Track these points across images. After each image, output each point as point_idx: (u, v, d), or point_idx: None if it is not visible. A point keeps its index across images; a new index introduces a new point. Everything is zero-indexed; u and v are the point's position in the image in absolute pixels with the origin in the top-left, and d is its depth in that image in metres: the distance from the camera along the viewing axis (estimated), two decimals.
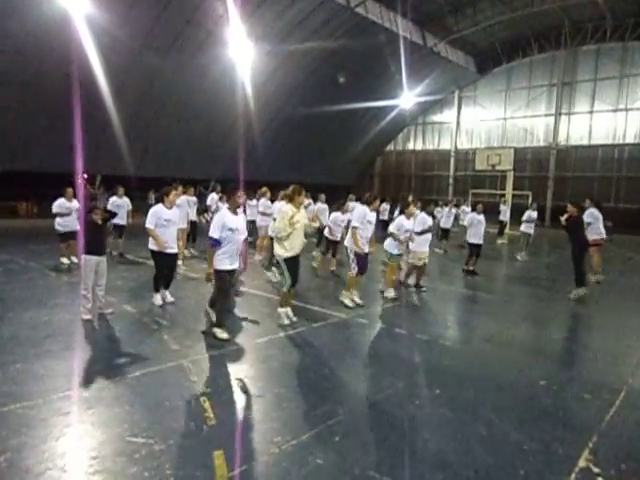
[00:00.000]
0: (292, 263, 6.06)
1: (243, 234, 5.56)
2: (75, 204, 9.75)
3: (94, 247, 6.09)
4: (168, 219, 6.55)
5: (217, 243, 5.27)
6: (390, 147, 33.12)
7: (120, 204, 10.45)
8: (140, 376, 4.34)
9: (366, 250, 7.20)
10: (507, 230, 19.60)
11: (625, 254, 15.41)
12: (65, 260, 9.88)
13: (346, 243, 7.39)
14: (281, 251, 6.02)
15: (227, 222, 5.32)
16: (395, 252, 7.88)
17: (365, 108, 25.50)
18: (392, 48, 20.70)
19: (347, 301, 7.23)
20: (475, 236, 10.41)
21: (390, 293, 7.85)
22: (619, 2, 21.23)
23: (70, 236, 9.87)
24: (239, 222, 5.45)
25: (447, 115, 30.03)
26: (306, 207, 15.82)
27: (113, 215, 6.56)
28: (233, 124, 19.64)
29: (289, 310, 6.31)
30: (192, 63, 17.13)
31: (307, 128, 24.49)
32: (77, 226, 9.93)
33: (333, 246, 9.93)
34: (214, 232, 5.29)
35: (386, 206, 15.72)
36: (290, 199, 6.04)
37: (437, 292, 8.70)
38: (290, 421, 3.70)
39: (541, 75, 25.49)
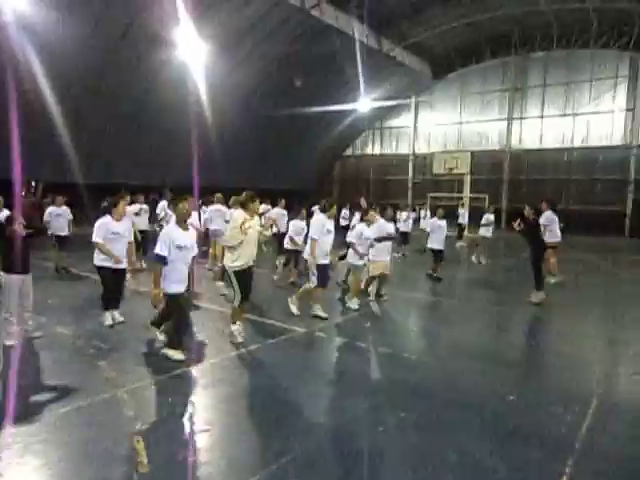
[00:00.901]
0: (243, 275, 5.57)
1: (193, 251, 5.00)
2: (4, 214, 8.92)
3: (16, 264, 5.38)
4: (117, 232, 5.92)
5: (163, 261, 4.71)
6: (349, 152, 33.07)
7: (59, 213, 9.64)
8: (63, 414, 3.74)
9: (327, 261, 6.81)
10: (466, 233, 19.83)
11: (577, 255, 15.80)
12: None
13: (305, 255, 6.99)
14: (230, 261, 5.53)
15: (175, 238, 4.74)
16: (358, 263, 7.52)
17: (323, 112, 25.21)
18: (348, 52, 20.53)
19: (294, 308, 6.85)
20: (436, 242, 10.25)
21: (354, 304, 7.47)
22: (564, 11, 22.02)
23: (62, 240, 9.45)
24: (188, 238, 4.88)
25: (405, 119, 30.27)
26: (262, 214, 15.24)
27: (40, 230, 5.85)
28: (188, 128, 18.86)
29: (240, 326, 5.82)
30: (142, 64, 16.31)
31: (265, 133, 23.97)
32: (67, 231, 9.53)
33: (294, 256, 9.46)
34: (161, 249, 4.69)
35: (347, 211, 15.47)
36: (243, 206, 5.58)
37: (399, 300, 8.43)
38: (238, 460, 3.24)
39: (494, 80, 26.11)
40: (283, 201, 11.44)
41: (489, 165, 26.66)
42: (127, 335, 5.86)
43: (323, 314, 6.80)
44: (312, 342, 5.89)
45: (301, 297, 6.89)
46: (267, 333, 6.13)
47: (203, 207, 11.61)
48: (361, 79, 22.82)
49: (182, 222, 4.87)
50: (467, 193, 25.35)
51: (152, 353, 5.12)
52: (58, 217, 9.38)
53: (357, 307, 7.43)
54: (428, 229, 10.54)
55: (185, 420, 3.76)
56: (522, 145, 25.89)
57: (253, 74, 20.47)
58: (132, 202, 10.01)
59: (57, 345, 5.38)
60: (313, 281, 6.75)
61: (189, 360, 4.91)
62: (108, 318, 6.05)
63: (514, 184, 26.15)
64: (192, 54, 16.54)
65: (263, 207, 15.21)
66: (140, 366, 4.83)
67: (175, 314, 4.88)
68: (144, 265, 10.24)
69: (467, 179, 24.99)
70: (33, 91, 13.29)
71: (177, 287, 4.79)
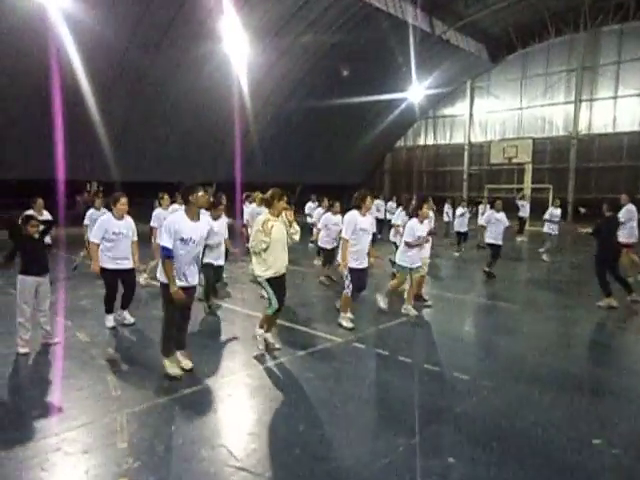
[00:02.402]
0: (277, 283, 4.93)
1: (201, 246, 4.41)
2: (46, 217, 8.82)
3: (31, 266, 5.05)
4: (118, 232, 5.50)
5: (168, 254, 4.14)
6: (400, 143, 31.81)
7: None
8: (55, 444, 3.24)
9: (363, 265, 5.99)
10: (527, 227, 18.27)
11: None
12: None
13: (338, 258, 6.24)
14: (261, 270, 4.89)
15: (179, 229, 4.14)
16: (406, 265, 6.55)
17: (372, 103, 24.26)
18: (398, 37, 19.45)
19: (344, 322, 6.05)
20: (494, 236, 9.24)
21: (381, 303, 6.67)
22: None
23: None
24: (196, 231, 4.26)
25: (459, 107, 28.62)
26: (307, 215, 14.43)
27: (51, 224, 5.51)
28: (231, 124, 18.62)
29: (269, 336, 5.20)
30: (184, 60, 16.15)
31: (311, 126, 23.37)
32: (49, 240, 9.08)
33: (329, 254, 8.73)
34: (165, 241, 4.13)
35: (393, 204, 14.50)
36: (268, 204, 4.92)
37: (449, 303, 7.50)
38: None
39: (559, 60, 23.92)
40: (313, 196, 10.44)
41: (553, 153, 24.57)
42: (142, 342, 5.42)
43: (348, 324, 5.99)
44: (348, 355, 5.15)
45: (345, 306, 6.10)
46: (298, 343, 5.47)
47: (246, 202, 11.18)
48: (412, 66, 21.66)
49: (193, 212, 4.27)
50: (528, 184, 23.51)
51: (157, 367, 4.60)
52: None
53: (385, 306, 6.63)
54: (484, 222, 9.52)
55: (181, 459, 3.17)
56: (591, 130, 23.60)
57: (298, 65, 19.89)
58: (172, 202, 9.70)
59: (71, 353, 4.99)
60: (347, 285, 5.99)
61: (199, 373, 4.35)
62: (110, 320, 5.74)
63: (582, 173, 23.94)
64: (235, 47, 16.22)
65: (309, 206, 14.58)
66: (150, 381, 4.32)
67: (167, 311, 4.32)
68: None
69: (528, 168, 23.15)
70: (75, 91, 13.37)
71: (179, 283, 4.22)
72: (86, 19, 12.64)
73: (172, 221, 4.19)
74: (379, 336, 5.86)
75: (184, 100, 17.28)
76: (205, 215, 4.61)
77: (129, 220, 5.75)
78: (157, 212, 8.35)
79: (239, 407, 3.92)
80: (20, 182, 13.82)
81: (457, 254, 12.79)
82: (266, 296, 7.42)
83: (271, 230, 4.73)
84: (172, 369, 4.34)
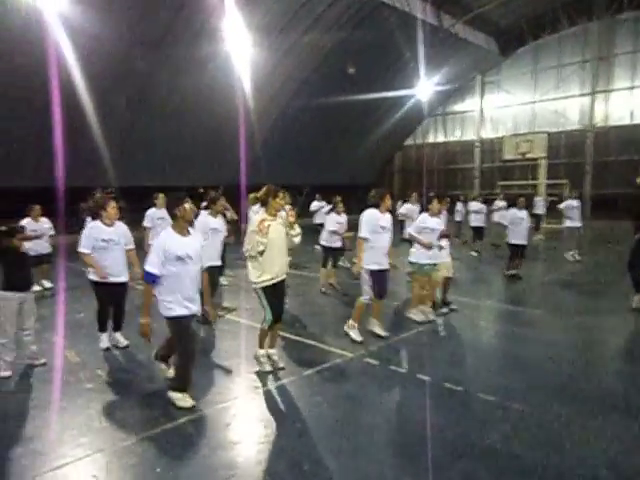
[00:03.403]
0: (273, 291, 4.46)
1: (198, 262, 3.87)
2: (43, 224, 8.45)
3: (15, 281, 4.65)
4: (108, 239, 4.99)
5: (153, 280, 3.66)
6: (409, 141, 31.19)
7: (162, 216, 7.98)
8: None
9: (383, 266, 5.50)
10: (544, 224, 17.63)
11: None
12: (36, 287, 8.60)
13: (355, 259, 5.76)
14: (255, 276, 4.43)
15: (171, 247, 3.64)
16: (423, 261, 6.16)
17: (379, 100, 23.70)
18: (405, 32, 18.90)
19: (352, 333, 5.58)
20: (518, 235, 8.76)
21: (417, 315, 6.16)
22: None
23: (40, 260, 8.61)
24: (191, 246, 3.76)
25: (469, 103, 27.94)
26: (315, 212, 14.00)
27: (36, 237, 5.09)
28: (236, 125, 18.21)
29: (273, 352, 4.74)
30: (186, 62, 15.78)
31: (317, 125, 22.88)
32: (48, 249, 8.72)
33: (332, 254, 8.26)
34: (151, 264, 3.62)
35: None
36: (263, 203, 4.47)
37: (469, 310, 6.96)
38: None
39: (572, 51, 23.15)
40: (318, 195, 9.89)
41: (569, 147, 23.81)
42: (135, 364, 4.98)
43: (357, 337, 5.51)
44: (359, 373, 4.66)
45: (358, 316, 5.62)
46: (304, 359, 5.00)
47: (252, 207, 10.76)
48: (420, 61, 21.09)
49: (182, 226, 3.78)
50: (543, 179, 22.77)
51: (158, 392, 4.15)
52: (163, 221, 7.93)
53: (421, 319, 6.11)
54: (506, 222, 9.05)
55: None
56: (609, 122, 22.80)
57: (303, 63, 19.44)
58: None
59: (56, 377, 4.57)
60: (366, 291, 5.51)
61: (199, 403, 3.90)
62: (104, 341, 5.23)
63: (599, 167, 23.14)
64: (238, 46, 15.83)
65: (315, 205, 14.16)
66: (139, 410, 3.88)
67: (181, 345, 3.85)
68: None
69: (543, 164, 22.40)
70: (75, 96, 13.06)
71: (179, 309, 3.73)
72: (83, 23, 12.32)
73: (160, 241, 3.66)
74: (394, 350, 5.36)
75: (187, 102, 16.92)
76: (196, 232, 4.09)
77: (121, 226, 5.24)
78: (150, 212, 7.92)
79: (237, 440, 3.45)
80: (19, 190, 13.58)
81: (475, 254, 12.21)
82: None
83: (268, 230, 4.28)
84: (184, 402, 3.81)
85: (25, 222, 8.20)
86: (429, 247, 5.96)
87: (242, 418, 3.78)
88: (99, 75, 13.54)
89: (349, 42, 18.96)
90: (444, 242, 6.56)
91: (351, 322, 5.63)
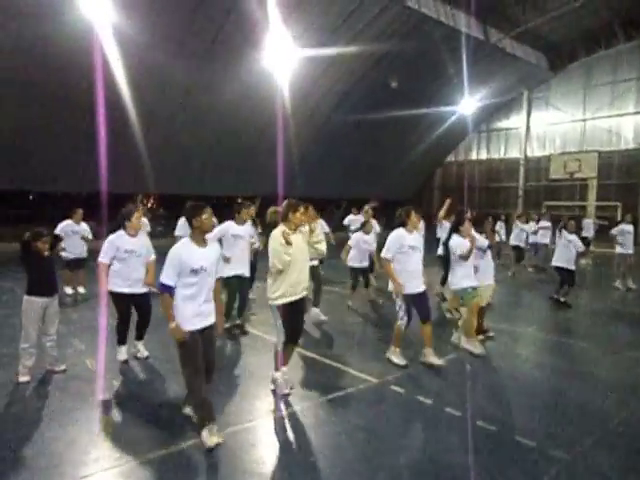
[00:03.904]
0: (290, 311, 4.24)
1: (213, 275, 3.61)
2: (84, 227, 8.63)
3: (39, 286, 4.65)
4: (131, 250, 4.93)
5: (170, 292, 3.48)
6: (451, 157, 30.51)
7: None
8: None
9: (419, 289, 5.15)
10: (592, 248, 16.61)
11: None
12: (69, 290, 8.76)
13: (390, 287, 5.44)
14: (272, 291, 4.22)
15: (187, 259, 3.45)
16: (467, 285, 5.72)
17: (421, 116, 23.33)
18: (450, 46, 18.53)
19: (394, 358, 5.27)
20: (565, 259, 8.23)
21: (477, 348, 5.70)
22: None
23: (77, 264, 8.78)
24: (207, 258, 3.53)
25: (515, 120, 27.04)
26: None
27: (58, 240, 5.08)
28: (275, 136, 18.32)
29: (284, 369, 4.48)
30: (230, 73, 16.03)
31: (356, 139, 22.73)
32: (85, 253, 8.87)
33: (362, 275, 8.08)
34: (169, 275, 3.43)
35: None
36: (283, 218, 4.27)
37: (508, 337, 6.48)
38: None
39: (629, 67, 21.98)
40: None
41: (622, 167, 22.52)
42: (153, 377, 4.85)
43: (400, 361, 5.22)
44: (383, 402, 4.34)
45: (398, 340, 5.28)
46: (326, 382, 4.72)
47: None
48: (465, 76, 20.59)
49: (199, 237, 3.58)
50: (592, 201, 21.70)
51: (172, 408, 3.99)
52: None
53: (480, 352, 5.65)
54: (547, 242, 8.55)
55: None
56: None
57: (345, 77, 19.39)
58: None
59: (74, 385, 4.50)
60: (402, 317, 5.19)
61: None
62: (122, 353, 5.13)
63: None
64: (281, 58, 15.93)
65: (350, 218, 13.93)
66: (150, 428, 3.71)
67: (185, 364, 3.52)
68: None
69: (593, 184, 21.37)
70: (120, 105, 13.47)
71: (191, 322, 3.50)
72: (131, 34, 12.72)
73: (176, 252, 3.47)
74: (422, 377, 4.99)
75: (229, 114, 17.16)
76: (214, 242, 3.92)
77: (143, 237, 5.20)
78: (183, 220, 7.92)
79: (241, 472, 3.20)
80: (64, 195, 14.17)
81: (510, 274, 11.62)
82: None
83: (290, 240, 4.09)
84: (212, 439, 3.39)
85: (65, 223, 8.46)
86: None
87: (248, 450, 3.51)
88: (143, 85, 13.92)
89: (392, 56, 18.78)
90: (491, 263, 6.18)
91: (392, 348, 5.33)
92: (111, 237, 4.96)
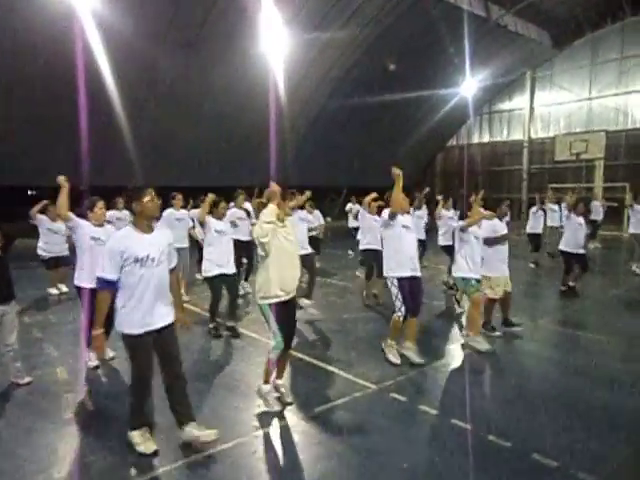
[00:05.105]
0: (282, 310, 3.76)
1: (162, 263, 3.12)
2: (61, 225, 8.13)
3: None
4: (97, 237, 4.57)
5: (111, 286, 3.02)
6: (452, 141, 29.77)
7: (241, 216, 7.54)
8: None
9: (414, 273, 4.74)
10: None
11: None
12: (54, 290, 8.30)
13: (384, 272, 4.97)
14: (261, 289, 3.74)
15: (129, 247, 2.98)
16: (471, 275, 5.28)
17: (421, 99, 22.62)
18: (450, 25, 17.75)
19: (391, 356, 4.85)
20: (574, 243, 7.71)
21: (481, 344, 5.21)
22: None
23: (58, 262, 8.33)
24: (153, 245, 3.08)
25: (517, 101, 26.25)
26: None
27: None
28: (270, 124, 17.71)
29: (280, 382, 4.01)
30: (219, 60, 15.38)
31: (355, 125, 22.06)
32: (65, 251, 8.42)
33: (375, 259, 6.90)
34: (108, 268, 2.97)
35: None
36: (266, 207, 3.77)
37: (522, 331, 5.97)
38: None
39: (637, 42, 21.12)
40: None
41: (630, 147, 21.77)
42: (121, 389, 4.35)
43: (395, 359, 4.80)
44: (382, 413, 3.85)
45: (395, 334, 4.89)
46: (319, 390, 4.25)
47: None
48: (466, 56, 19.81)
49: (142, 223, 3.12)
50: (599, 182, 21.05)
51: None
52: (180, 222, 7.56)
53: (486, 349, 5.17)
54: (555, 224, 8.07)
55: None
56: None
57: (341, 60, 18.68)
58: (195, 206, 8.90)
59: (40, 401, 4.03)
60: (399, 308, 4.73)
61: (180, 447, 3.21)
62: (92, 358, 4.69)
63: None
64: (273, 43, 15.28)
65: (349, 207, 13.38)
66: (114, 453, 3.24)
67: (134, 368, 3.14)
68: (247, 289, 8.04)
69: (600, 165, 20.70)
70: (104, 95, 12.89)
71: (139, 324, 3.03)
72: (114, 19, 12.09)
73: (115, 240, 3.03)
74: (426, 382, 4.52)
75: (219, 102, 16.51)
76: (162, 228, 3.42)
77: (110, 229, 4.78)
78: (167, 212, 7.40)
79: None
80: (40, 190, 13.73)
81: (533, 265, 10.95)
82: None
83: (282, 223, 3.72)
84: (144, 445, 3.14)
85: (40, 219, 8.00)
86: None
87: (230, 475, 3.06)
88: (128, 73, 13.31)
89: (389, 37, 18.03)
90: (503, 252, 5.68)
91: (389, 341, 4.91)
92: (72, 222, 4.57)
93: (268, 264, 3.68)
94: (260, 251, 3.69)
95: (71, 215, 4.56)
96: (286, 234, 3.75)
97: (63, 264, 8.31)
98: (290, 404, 3.89)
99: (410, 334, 4.86)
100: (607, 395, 4.21)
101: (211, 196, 5.71)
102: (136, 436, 3.16)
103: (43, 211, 8.10)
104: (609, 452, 3.27)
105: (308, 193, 6.29)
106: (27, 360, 4.70)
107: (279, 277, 3.69)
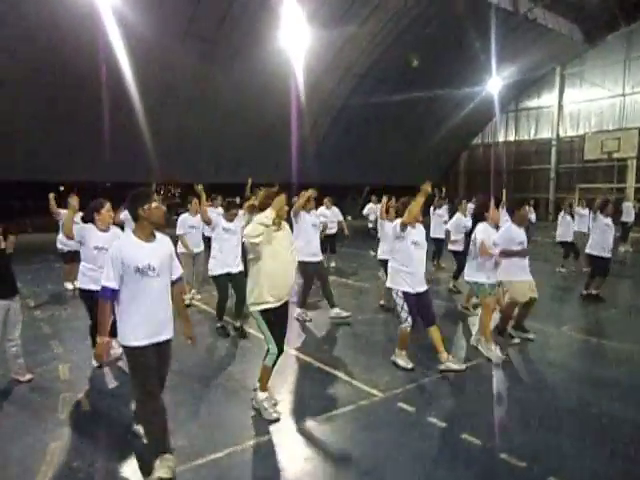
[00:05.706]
0: (274, 317, 3.61)
1: (163, 273, 2.94)
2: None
3: None
4: (101, 247, 4.41)
5: (113, 295, 2.86)
6: (477, 140, 29.11)
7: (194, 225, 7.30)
8: None
9: (420, 288, 4.54)
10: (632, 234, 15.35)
11: None
12: (69, 285, 8.34)
13: (388, 282, 4.75)
14: (253, 295, 3.57)
15: (129, 256, 2.82)
16: (485, 280, 5.03)
17: (445, 96, 22.15)
18: (476, 19, 17.26)
19: (400, 360, 4.67)
20: (600, 246, 7.28)
21: (492, 354, 4.93)
22: None
23: (75, 256, 8.35)
24: (154, 254, 2.90)
25: (546, 98, 25.46)
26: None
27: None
28: (292, 121, 17.59)
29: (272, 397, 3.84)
30: (240, 56, 15.32)
31: (377, 123, 21.72)
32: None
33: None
34: (109, 276, 2.81)
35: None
36: (261, 209, 3.57)
37: (541, 339, 5.64)
38: None
39: None
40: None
41: None
42: (123, 390, 4.24)
43: (407, 364, 4.62)
44: (388, 425, 3.63)
45: (403, 344, 4.67)
46: (320, 397, 4.06)
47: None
48: (492, 52, 19.30)
49: (145, 230, 2.93)
50: (632, 182, 20.21)
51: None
52: (193, 228, 7.32)
53: (501, 355, 4.91)
54: (583, 228, 7.65)
55: None
56: None
57: (363, 56, 18.40)
58: (211, 204, 8.93)
59: (34, 399, 3.98)
60: (405, 319, 4.52)
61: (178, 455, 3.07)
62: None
63: None
64: (294, 38, 15.11)
65: (369, 207, 13.09)
66: (110, 460, 3.13)
67: (136, 385, 2.91)
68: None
69: (632, 164, 19.86)
70: (126, 92, 12.97)
71: (142, 336, 2.86)
72: (134, 15, 12.16)
73: (116, 249, 2.86)
74: (435, 390, 4.27)
75: (241, 98, 16.48)
76: (164, 236, 3.20)
77: (117, 232, 4.67)
78: (183, 217, 7.31)
79: None
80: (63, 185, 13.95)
81: (563, 270, 10.22)
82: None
83: (277, 225, 3.56)
84: (163, 473, 2.81)
85: (62, 212, 8.04)
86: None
87: None
88: (149, 71, 13.38)
89: (412, 33, 17.67)
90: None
91: (398, 351, 4.71)
92: (76, 227, 4.44)
93: (259, 268, 3.53)
94: (251, 254, 3.51)
95: (75, 233, 4.51)
96: (281, 239, 3.58)
97: (79, 259, 8.33)
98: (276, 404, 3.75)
99: (437, 342, 4.58)
100: (637, 412, 3.88)
101: (199, 187, 5.66)
102: (158, 465, 2.83)
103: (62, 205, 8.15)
104: (595, 461, 2.98)
105: (311, 190, 6.08)
106: (32, 356, 4.68)
107: (270, 283, 3.53)
